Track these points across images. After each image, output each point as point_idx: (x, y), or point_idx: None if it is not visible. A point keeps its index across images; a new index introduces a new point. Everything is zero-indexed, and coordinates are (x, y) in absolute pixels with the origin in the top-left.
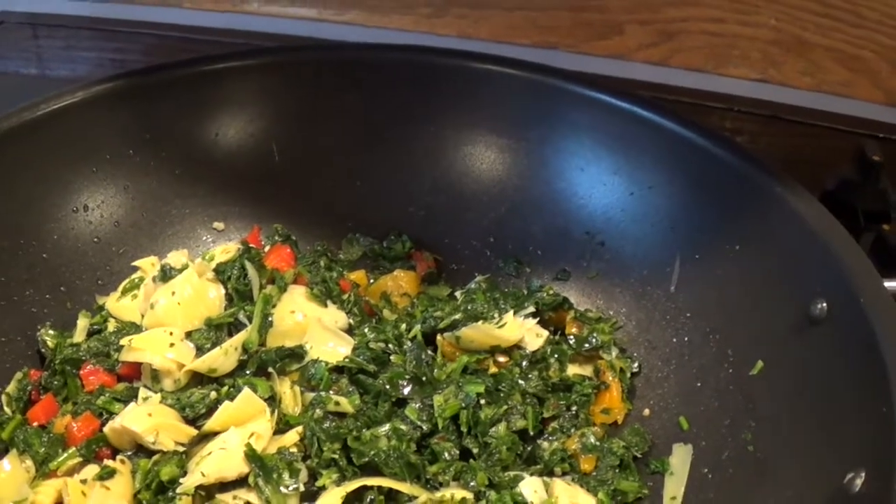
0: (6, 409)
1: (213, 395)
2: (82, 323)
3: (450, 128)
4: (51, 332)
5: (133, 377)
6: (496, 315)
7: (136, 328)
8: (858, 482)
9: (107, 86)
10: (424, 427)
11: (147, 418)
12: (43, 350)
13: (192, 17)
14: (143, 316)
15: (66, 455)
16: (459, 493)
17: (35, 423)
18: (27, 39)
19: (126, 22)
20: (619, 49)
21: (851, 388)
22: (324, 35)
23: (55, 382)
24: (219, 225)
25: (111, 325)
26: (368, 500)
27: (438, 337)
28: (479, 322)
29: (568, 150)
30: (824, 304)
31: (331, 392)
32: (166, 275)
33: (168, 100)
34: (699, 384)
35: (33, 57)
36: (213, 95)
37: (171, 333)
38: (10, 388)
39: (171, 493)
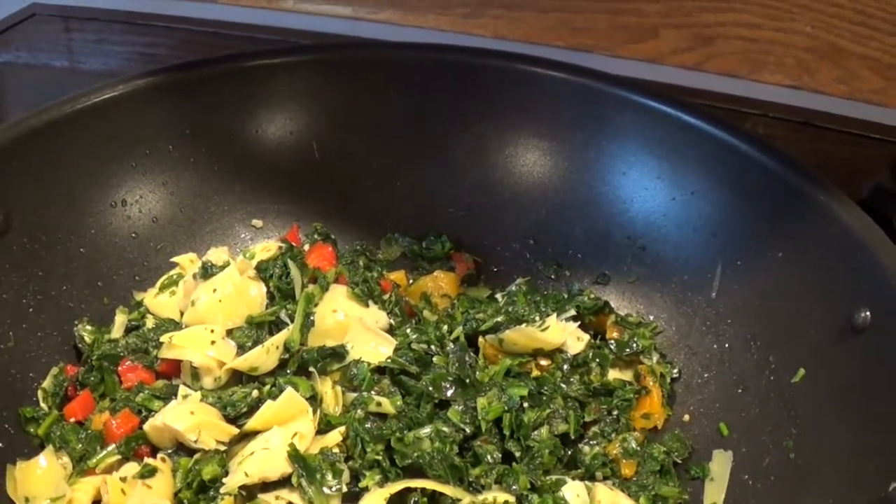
0: (42, 404)
1: (255, 393)
2: (120, 319)
3: (492, 129)
4: (88, 327)
5: (172, 374)
6: (537, 318)
7: (175, 325)
8: None
9: (147, 80)
10: (467, 429)
11: (189, 416)
12: (80, 345)
13: (225, 13)
14: (182, 313)
15: (104, 452)
16: (502, 497)
17: (72, 420)
18: (58, 32)
19: (159, 16)
20: (654, 53)
21: (894, 398)
22: (359, 33)
23: (92, 378)
24: (257, 222)
25: (149, 322)
26: (412, 501)
27: (480, 339)
28: (523, 325)
29: (611, 153)
30: (867, 313)
31: (372, 392)
32: (207, 272)
33: (209, 95)
34: (740, 390)
35: (64, 50)
36: (255, 92)
37: (212, 331)
38: (46, 383)
39: (212, 493)
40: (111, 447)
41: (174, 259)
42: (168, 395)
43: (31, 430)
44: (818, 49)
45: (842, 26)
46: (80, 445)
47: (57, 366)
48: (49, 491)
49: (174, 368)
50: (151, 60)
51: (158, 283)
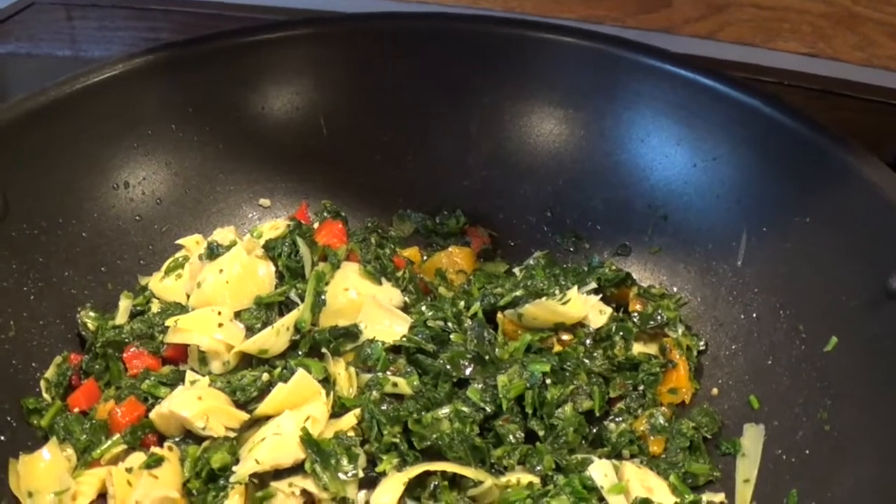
0: (45, 395)
1: (266, 377)
2: (124, 304)
3: (505, 99)
4: (91, 314)
5: (179, 360)
6: (557, 292)
7: (181, 309)
8: None
9: (148, 58)
10: (488, 409)
11: (197, 402)
12: (83, 333)
13: None
14: (188, 296)
15: (109, 443)
16: (526, 478)
17: (76, 410)
18: (60, 21)
19: (160, 0)
20: (667, 22)
21: None
22: (362, 9)
23: (96, 366)
24: (265, 201)
25: (155, 306)
26: (431, 486)
27: (499, 315)
28: (543, 299)
29: (628, 120)
30: None
31: (388, 373)
32: (213, 252)
33: (212, 72)
34: (770, 362)
35: (66, 38)
36: (260, 67)
37: (219, 313)
38: (49, 373)
39: (222, 482)
40: (116, 437)
41: (179, 241)
42: (175, 382)
43: (35, 421)
44: (834, 15)
45: None
46: (85, 436)
47: (60, 355)
48: (53, 484)
49: (181, 353)
50: (155, 45)
51: (164, 267)
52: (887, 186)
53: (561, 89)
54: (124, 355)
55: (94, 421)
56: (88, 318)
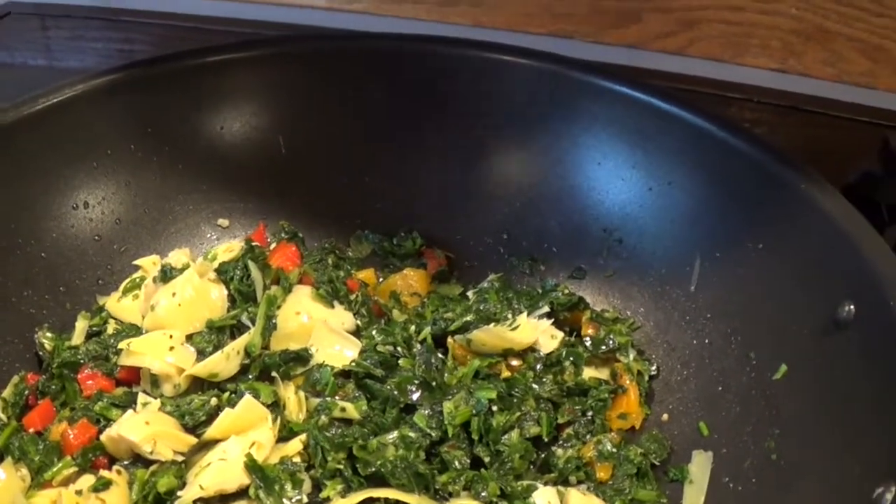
0: (1, 414)
1: (214, 401)
2: (81, 324)
3: (462, 120)
4: (49, 334)
5: (132, 381)
6: (509, 316)
7: (136, 330)
8: (889, 497)
9: (108, 78)
10: (434, 435)
11: (144, 427)
12: (41, 353)
13: (201, 7)
14: (143, 317)
15: (60, 464)
16: None
17: (31, 430)
18: (34, 30)
19: (134, 11)
20: (637, 38)
21: (880, 397)
22: (334, 24)
23: (53, 387)
24: (223, 222)
25: (111, 327)
26: None
27: (449, 339)
28: (492, 325)
29: (585, 143)
30: (852, 307)
31: (336, 397)
32: (167, 275)
33: (171, 92)
34: (720, 388)
35: (41, 48)
36: (218, 87)
37: (171, 336)
38: (7, 392)
39: None
40: (67, 459)
41: (137, 262)
42: (127, 404)
43: None
44: (804, 31)
45: (828, 7)
46: (39, 457)
47: (18, 374)
48: None
49: (134, 375)
50: (129, 57)
51: (122, 287)
52: (840, 215)
53: (518, 111)
54: (79, 376)
55: (47, 442)
56: (45, 339)
